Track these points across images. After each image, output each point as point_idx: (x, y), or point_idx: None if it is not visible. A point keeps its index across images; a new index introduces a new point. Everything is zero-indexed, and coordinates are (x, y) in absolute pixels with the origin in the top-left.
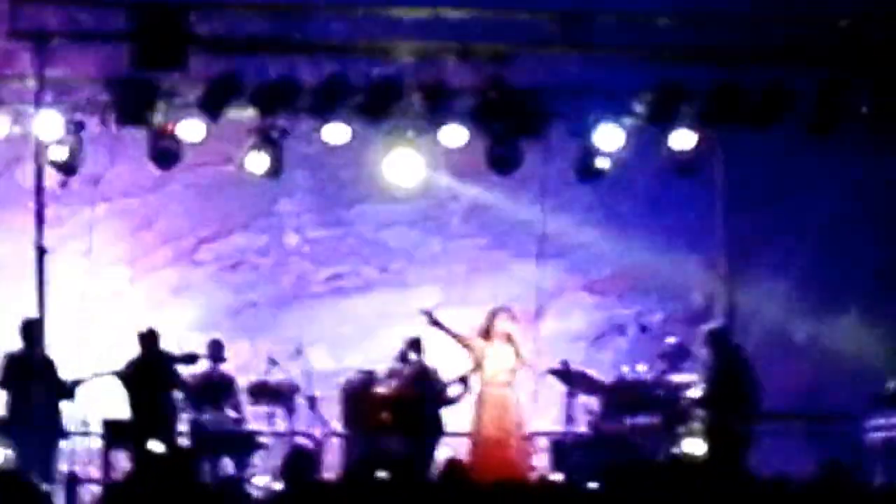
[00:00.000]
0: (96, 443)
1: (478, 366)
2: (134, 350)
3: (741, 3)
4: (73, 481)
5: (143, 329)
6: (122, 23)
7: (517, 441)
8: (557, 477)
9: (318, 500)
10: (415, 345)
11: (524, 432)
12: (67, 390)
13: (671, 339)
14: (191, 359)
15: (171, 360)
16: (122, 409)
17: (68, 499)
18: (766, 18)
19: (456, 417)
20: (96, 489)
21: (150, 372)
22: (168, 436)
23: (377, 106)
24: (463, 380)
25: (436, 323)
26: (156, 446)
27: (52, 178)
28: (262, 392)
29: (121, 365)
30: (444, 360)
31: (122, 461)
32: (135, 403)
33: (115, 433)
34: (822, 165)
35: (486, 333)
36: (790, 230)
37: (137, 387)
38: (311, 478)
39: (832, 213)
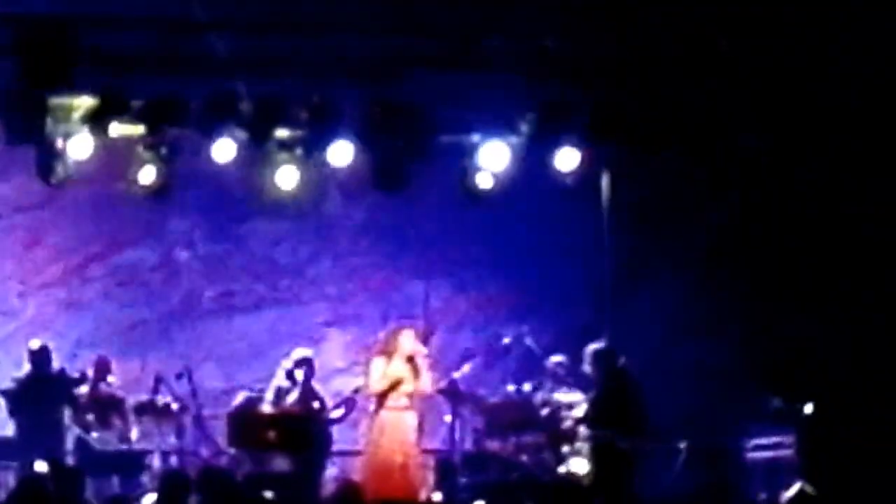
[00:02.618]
0: None
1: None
2: (22, 366)
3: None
4: None
5: (35, 345)
6: (9, 37)
7: (414, 464)
8: (439, 497)
9: None
10: (304, 363)
11: (420, 455)
12: None
13: (557, 358)
14: (81, 379)
15: (65, 379)
16: (7, 426)
17: None
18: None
19: (344, 435)
20: None
21: (39, 389)
22: (55, 454)
23: (264, 123)
24: (348, 400)
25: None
26: (41, 465)
27: None
28: (149, 410)
29: (7, 381)
30: (333, 377)
31: (10, 480)
32: (21, 421)
33: (1, 451)
34: (708, 185)
35: (388, 352)
36: (675, 249)
37: (25, 404)
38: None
39: (717, 231)
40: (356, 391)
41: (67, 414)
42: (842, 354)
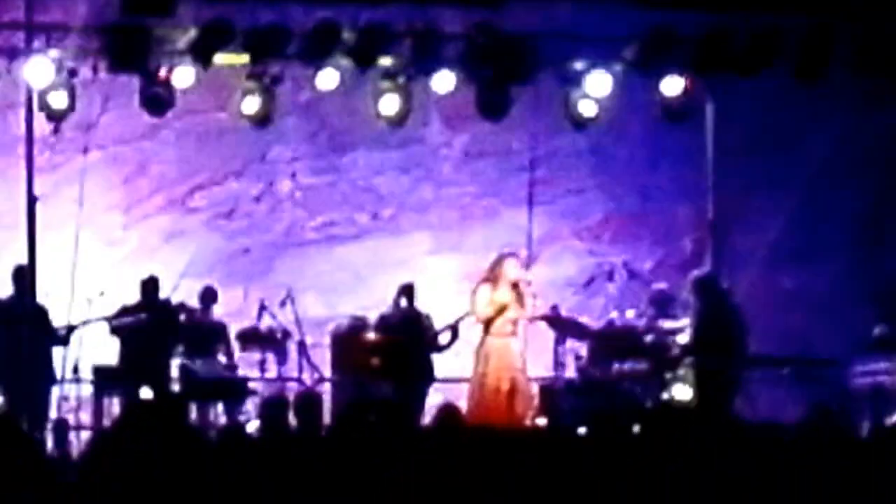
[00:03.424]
0: (87, 389)
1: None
2: (130, 297)
3: None
4: (62, 428)
5: (145, 276)
6: None
7: (520, 390)
8: (544, 422)
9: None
10: (407, 291)
11: (526, 381)
12: (60, 337)
13: (660, 286)
14: (184, 308)
15: (169, 307)
16: (113, 355)
17: (58, 445)
18: None
19: (451, 364)
20: (87, 436)
21: (151, 318)
22: (159, 382)
23: (368, 52)
24: (453, 328)
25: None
26: (145, 392)
27: (44, 125)
28: (252, 338)
29: (115, 310)
30: (436, 306)
31: (114, 408)
32: (127, 350)
33: (106, 379)
34: (812, 113)
35: (493, 279)
36: (779, 177)
37: (137, 332)
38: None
39: (821, 159)
40: (460, 319)
41: (174, 343)
42: None
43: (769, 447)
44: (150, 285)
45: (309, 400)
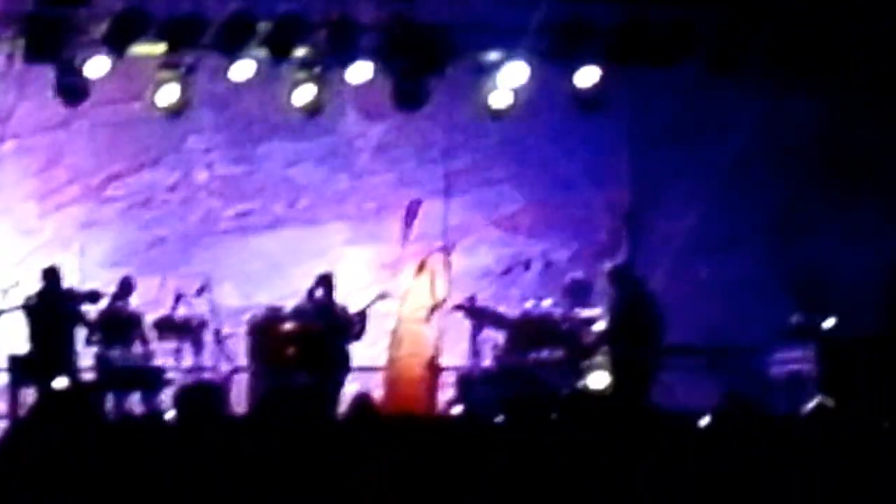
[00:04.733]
0: (2, 378)
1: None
2: (37, 286)
3: None
4: None
5: (46, 266)
6: None
7: (431, 377)
8: (460, 410)
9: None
10: (325, 281)
11: (438, 368)
12: None
13: (576, 275)
14: (93, 296)
15: (73, 296)
16: (27, 345)
17: None
18: None
19: (367, 352)
20: (2, 424)
21: (51, 307)
22: (70, 371)
23: (283, 42)
24: (361, 315)
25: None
26: (60, 382)
27: None
28: (168, 327)
29: (23, 300)
30: (353, 296)
31: (30, 397)
32: (36, 339)
33: (20, 369)
34: (726, 104)
35: (420, 268)
36: (694, 167)
37: (38, 321)
38: (212, 411)
39: (735, 150)
40: (370, 304)
41: (82, 332)
42: (862, 270)
43: (684, 435)
44: (50, 274)
45: (199, 391)
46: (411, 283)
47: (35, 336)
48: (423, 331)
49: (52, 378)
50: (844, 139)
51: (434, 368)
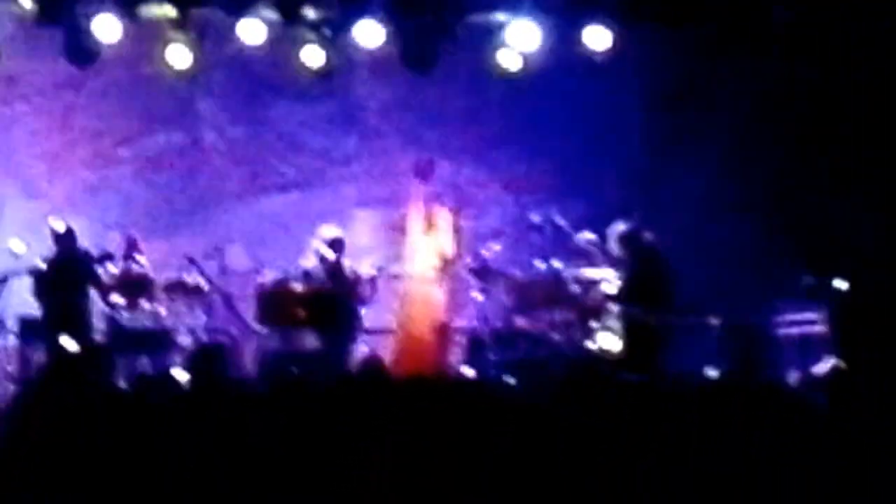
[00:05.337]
0: (12, 340)
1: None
2: (49, 248)
3: None
4: None
5: (60, 227)
6: None
7: (441, 338)
8: (470, 372)
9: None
10: (335, 244)
11: (448, 329)
12: None
13: (587, 236)
14: (106, 257)
15: (88, 258)
16: (37, 307)
17: None
18: None
19: (377, 315)
20: (13, 387)
21: (67, 268)
22: (83, 333)
23: (293, 3)
24: (372, 279)
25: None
26: (69, 343)
27: None
28: (179, 289)
29: (35, 263)
30: (361, 258)
31: (39, 359)
32: (50, 300)
33: (31, 330)
34: (740, 67)
35: (428, 227)
36: (706, 129)
37: (52, 284)
38: (222, 374)
39: (746, 112)
40: (380, 269)
41: (94, 293)
42: (875, 230)
43: (694, 397)
44: (64, 236)
45: (209, 353)
46: (419, 243)
47: (49, 297)
48: (433, 291)
49: (65, 340)
50: (856, 104)
51: (444, 329)
